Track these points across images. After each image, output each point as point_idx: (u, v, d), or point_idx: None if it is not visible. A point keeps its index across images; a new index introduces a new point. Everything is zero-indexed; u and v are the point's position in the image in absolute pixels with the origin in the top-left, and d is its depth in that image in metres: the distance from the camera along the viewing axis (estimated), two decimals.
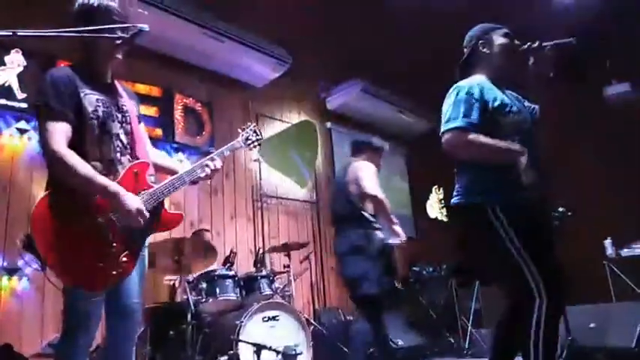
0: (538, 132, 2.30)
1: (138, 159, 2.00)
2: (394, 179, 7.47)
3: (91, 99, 1.90)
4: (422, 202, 7.62)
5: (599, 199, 5.27)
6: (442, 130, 2.18)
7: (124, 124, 2.00)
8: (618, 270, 4.83)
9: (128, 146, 2.00)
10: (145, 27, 1.78)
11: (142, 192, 1.93)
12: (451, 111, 2.16)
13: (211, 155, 2.15)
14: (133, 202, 1.83)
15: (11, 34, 1.50)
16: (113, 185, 1.82)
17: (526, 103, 2.41)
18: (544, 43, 2.22)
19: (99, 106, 1.92)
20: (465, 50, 2.40)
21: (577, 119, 5.70)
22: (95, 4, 1.92)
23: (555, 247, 2.19)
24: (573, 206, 3.95)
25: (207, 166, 2.10)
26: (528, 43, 2.25)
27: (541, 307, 1.99)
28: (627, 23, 5.27)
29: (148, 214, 1.87)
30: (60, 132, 1.81)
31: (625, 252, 4.83)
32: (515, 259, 2.03)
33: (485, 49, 2.32)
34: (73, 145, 1.84)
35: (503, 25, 2.38)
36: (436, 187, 7.91)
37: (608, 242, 5.00)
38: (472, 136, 2.09)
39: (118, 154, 1.94)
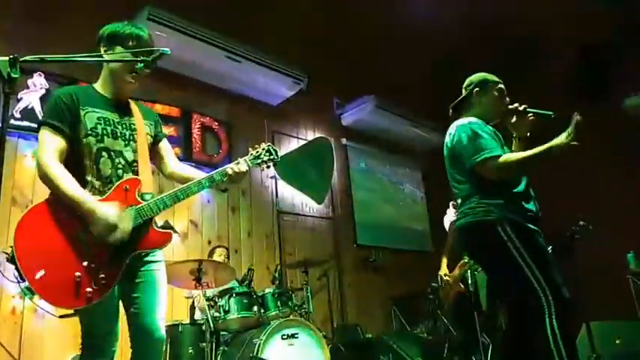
0: None
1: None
2: (410, 194, 7.44)
3: (92, 116, 1.94)
4: (439, 217, 7.55)
5: (621, 211, 5.18)
6: (476, 160, 2.34)
7: (130, 142, 2.03)
8: None
9: (134, 163, 2.01)
10: (167, 50, 1.81)
11: (129, 208, 1.90)
12: (477, 144, 2.35)
13: (211, 174, 2.11)
14: (107, 217, 1.80)
15: (39, 59, 1.56)
16: (90, 203, 1.81)
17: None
18: (528, 109, 2.50)
19: (99, 123, 1.95)
20: (463, 91, 2.65)
21: (596, 132, 5.63)
22: (125, 31, 1.98)
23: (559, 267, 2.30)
24: (594, 220, 3.90)
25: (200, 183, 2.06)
26: (515, 105, 2.52)
27: (551, 318, 2.09)
28: None
29: (125, 232, 1.84)
30: (51, 145, 1.86)
31: None
32: (525, 273, 2.18)
33: (479, 97, 2.58)
34: (71, 160, 1.89)
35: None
36: (453, 201, 7.84)
37: (630, 256, 4.90)
38: (504, 158, 2.29)
39: (120, 171, 1.96)
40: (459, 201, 2.48)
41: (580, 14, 5.23)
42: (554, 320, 2.08)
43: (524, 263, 2.18)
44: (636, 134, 5.30)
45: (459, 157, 2.44)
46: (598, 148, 5.64)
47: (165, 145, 2.22)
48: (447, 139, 2.55)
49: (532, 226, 2.29)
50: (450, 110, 2.71)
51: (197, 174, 2.16)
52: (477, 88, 2.59)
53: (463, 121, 2.50)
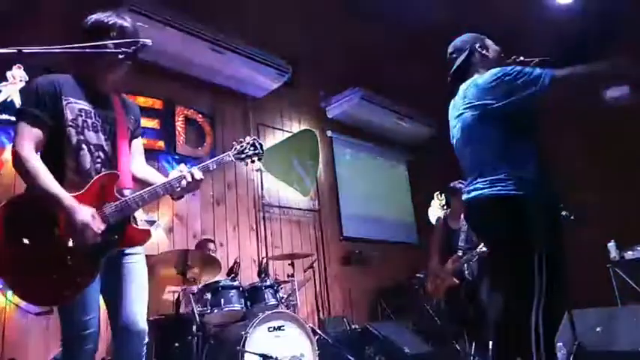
0: None
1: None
2: (395, 187, 7.48)
3: (73, 107, 1.91)
4: (424, 209, 7.62)
5: (602, 201, 5.26)
6: (537, 89, 2.04)
7: (110, 136, 1.99)
8: (622, 273, 4.81)
9: (114, 158, 1.98)
10: (148, 41, 1.78)
11: (107, 204, 1.86)
12: (527, 74, 2.07)
13: (193, 167, 2.04)
14: (83, 216, 1.75)
15: (16, 51, 1.52)
16: (67, 199, 1.75)
17: None
18: (527, 59, 2.29)
19: (80, 115, 1.92)
20: (454, 55, 2.43)
21: (577, 122, 5.71)
22: (109, 22, 1.95)
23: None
24: (576, 209, 3.95)
25: (184, 178, 1.98)
26: (514, 57, 2.34)
27: (538, 311, 2.02)
28: (626, 24, 5.30)
29: (98, 229, 1.78)
30: (28, 135, 1.81)
31: (629, 255, 4.82)
32: (532, 260, 2.02)
33: (483, 51, 2.39)
34: (50, 152, 1.85)
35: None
36: (438, 193, 7.91)
37: (611, 245, 4.98)
38: (561, 72, 2.03)
39: (99, 165, 1.93)
40: (477, 173, 2.19)
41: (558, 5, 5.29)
42: (540, 314, 2.01)
43: (537, 250, 2.02)
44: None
45: (493, 109, 2.12)
46: (579, 138, 5.74)
47: (137, 145, 2.17)
48: (470, 92, 2.24)
49: (556, 210, 2.14)
50: (449, 78, 2.44)
51: (156, 179, 2.08)
52: (478, 44, 2.39)
53: (489, 71, 2.20)
